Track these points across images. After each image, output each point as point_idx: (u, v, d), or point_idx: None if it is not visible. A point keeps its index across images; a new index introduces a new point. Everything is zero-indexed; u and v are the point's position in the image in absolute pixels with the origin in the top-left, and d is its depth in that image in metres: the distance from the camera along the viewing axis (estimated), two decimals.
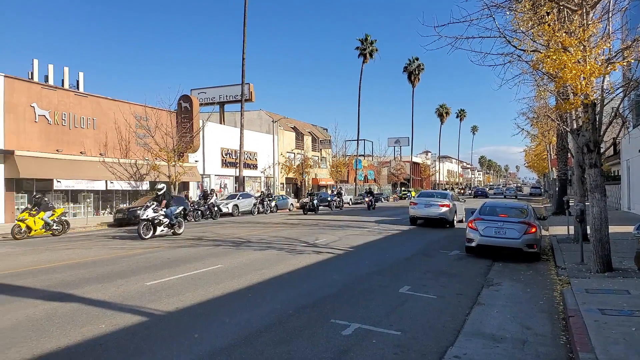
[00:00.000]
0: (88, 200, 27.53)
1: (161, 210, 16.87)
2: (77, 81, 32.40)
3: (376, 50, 58.90)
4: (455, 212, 21.11)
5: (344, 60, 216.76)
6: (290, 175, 48.64)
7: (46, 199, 18.76)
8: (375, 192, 61.97)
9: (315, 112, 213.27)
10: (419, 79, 76.39)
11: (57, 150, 25.70)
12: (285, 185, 49.08)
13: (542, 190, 78.73)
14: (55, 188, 25.51)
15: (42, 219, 17.24)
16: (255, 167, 44.28)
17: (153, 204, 16.84)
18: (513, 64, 9.55)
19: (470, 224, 12.14)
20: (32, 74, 30.77)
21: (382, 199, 57.44)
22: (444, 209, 20.06)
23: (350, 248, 13.34)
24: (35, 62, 30.85)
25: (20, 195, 24.46)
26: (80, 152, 27.05)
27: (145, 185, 30.47)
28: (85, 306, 6.78)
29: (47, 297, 7.33)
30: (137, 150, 29.88)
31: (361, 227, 20.51)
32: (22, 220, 16.95)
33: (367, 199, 38.29)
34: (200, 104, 39.01)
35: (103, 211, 28.54)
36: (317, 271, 9.92)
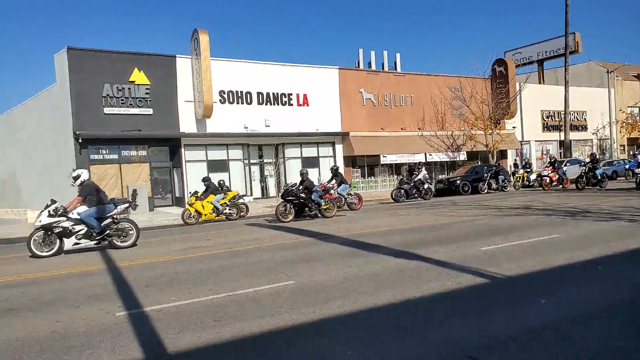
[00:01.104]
0: None
1: (71, 212, 10.28)
2: (395, 62, 35.22)
3: None
4: None
5: None
6: (635, 134, 40.51)
7: (222, 181, 18.06)
8: None
9: None
10: None
11: (381, 129, 28.83)
12: (627, 148, 41.46)
13: None
14: (381, 162, 28.80)
15: (210, 203, 16.48)
16: (584, 128, 39.16)
17: (53, 203, 10.24)
18: None
19: None
20: (358, 62, 35.15)
21: None
22: None
23: None
24: (360, 51, 35.07)
25: (355, 169, 28.60)
26: (401, 129, 29.57)
27: (462, 156, 31.01)
28: (427, 264, 7.30)
29: (394, 254, 8.24)
30: (453, 122, 30.58)
31: None
32: (191, 205, 16.60)
33: None
34: (516, 66, 36.96)
35: None
36: None
